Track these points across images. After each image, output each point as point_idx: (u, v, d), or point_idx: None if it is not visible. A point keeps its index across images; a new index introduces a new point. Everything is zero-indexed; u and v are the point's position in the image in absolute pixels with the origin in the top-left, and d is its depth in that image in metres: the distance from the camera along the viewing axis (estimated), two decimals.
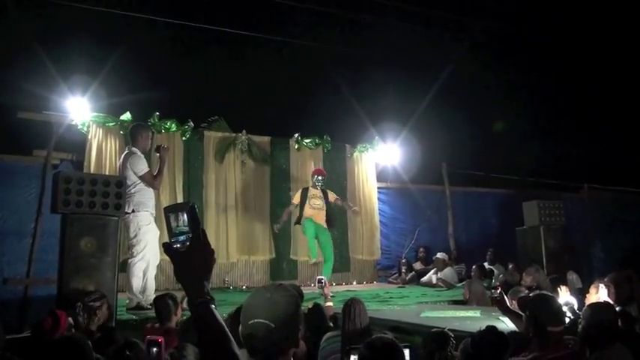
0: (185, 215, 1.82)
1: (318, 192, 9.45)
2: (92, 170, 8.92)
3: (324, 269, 9.07)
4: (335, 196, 9.71)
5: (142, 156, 7.25)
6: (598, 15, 12.95)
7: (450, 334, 3.87)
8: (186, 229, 1.81)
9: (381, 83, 12.56)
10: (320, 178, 9.53)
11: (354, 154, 11.90)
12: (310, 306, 5.71)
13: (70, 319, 4.66)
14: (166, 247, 1.85)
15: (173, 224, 1.83)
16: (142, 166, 7.14)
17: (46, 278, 8.29)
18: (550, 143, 14.55)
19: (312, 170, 10.00)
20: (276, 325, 2.04)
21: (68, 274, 5.97)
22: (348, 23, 13.01)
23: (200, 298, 1.75)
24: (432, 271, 10.90)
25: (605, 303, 4.68)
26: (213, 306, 1.77)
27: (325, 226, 9.34)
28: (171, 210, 1.85)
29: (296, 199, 9.53)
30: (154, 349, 3.20)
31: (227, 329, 1.78)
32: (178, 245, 1.81)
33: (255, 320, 2.05)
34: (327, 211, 9.41)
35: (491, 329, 3.60)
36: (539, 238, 10.63)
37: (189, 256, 1.80)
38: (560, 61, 13.81)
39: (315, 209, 9.33)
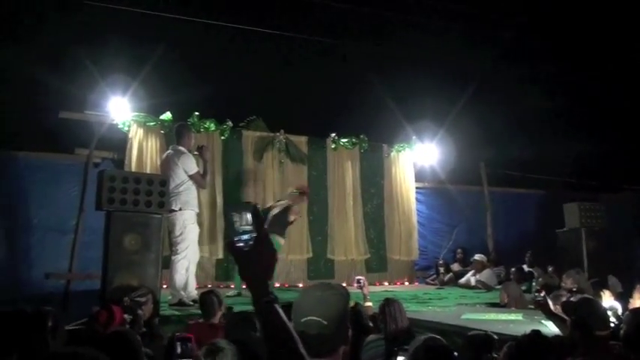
0: (249, 214, 1.82)
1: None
2: (133, 169, 9.04)
3: None
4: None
5: (191, 155, 7.35)
6: None
7: (494, 337, 3.82)
8: (250, 228, 1.80)
9: (418, 82, 12.47)
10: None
11: (392, 154, 11.85)
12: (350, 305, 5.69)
13: (127, 316, 4.74)
14: (230, 246, 1.84)
15: (237, 223, 1.85)
16: (193, 165, 7.26)
17: (87, 274, 8.45)
18: (590, 143, 14.33)
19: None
20: (329, 322, 2.06)
21: (112, 270, 6.10)
22: (386, 23, 12.97)
23: (265, 298, 1.74)
24: (471, 273, 10.82)
25: None
26: (277, 305, 1.75)
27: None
28: (235, 209, 1.87)
29: None
30: (184, 346, 3.23)
31: (293, 329, 1.78)
32: (242, 244, 1.80)
33: (308, 318, 2.07)
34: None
35: (537, 334, 3.54)
36: (580, 241, 10.47)
37: (254, 256, 1.79)
38: (603, 58, 13.58)
39: None
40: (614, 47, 13.30)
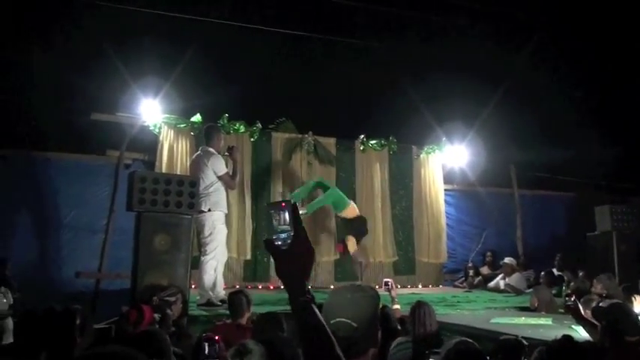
0: (287, 213, 1.82)
1: None
2: (164, 170, 9.12)
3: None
4: None
5: (221, 156, 7.40)
6: None
7: (525, 342, 3.78)
8: (288, 227, 1.81)
9: (448, 84, 12.40)
10: None
11: (421, 156, 11.79)
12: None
13: (156, 315, 4.79)
14: (268, 244, 1.84)
15: (275, 222, 1.84)
16: (222, 166, 7.31)
17: (116, 273, 8.56)
18: (622, 145, 14.12)
19: None
20: (359, 324, 2.07)
21: (142, 270, 6.18)
22: (415, 24, 12.92)
23: (302, 297, 1.74)
24: (500, 277, 10.71)
25: None
26: (314, 305, 1.75)
27: None
28: (274, 208, 1.86)
29: None
30: (212, 347, 3.26)
31: (329, 330, 1.77)
32: (280, 243, 1.81)
33: (338, 319, 2.08)
34: None
35: (568, 339, 3.49)
36: (611, 244, 10.33)
37: (291, 255, 1.80)
38: (636, 58, 13.39)
39: None
40: None
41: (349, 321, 2.08)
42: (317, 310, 1.75)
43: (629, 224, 10.61)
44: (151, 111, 9.41)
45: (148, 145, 9.66)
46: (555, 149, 12.56)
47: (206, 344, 3.28)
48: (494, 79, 12.74)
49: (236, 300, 5.49)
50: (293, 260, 1.80)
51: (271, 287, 9.54)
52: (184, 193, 6.44)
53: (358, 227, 9.52)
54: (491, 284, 10.74)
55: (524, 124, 12.44)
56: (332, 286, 9.80)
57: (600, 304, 4.84)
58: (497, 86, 12.59)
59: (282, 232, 1.82)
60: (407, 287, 10.70)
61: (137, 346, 3.03)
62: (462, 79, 12.27)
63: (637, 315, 4.01)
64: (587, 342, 4.33)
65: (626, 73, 13.41)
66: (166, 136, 9.53)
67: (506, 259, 10.80)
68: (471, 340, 3.30)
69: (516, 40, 12.96)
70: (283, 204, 1.86)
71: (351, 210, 9.49)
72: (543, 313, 7.31)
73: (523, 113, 12.59)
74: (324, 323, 1.76)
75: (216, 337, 3.32)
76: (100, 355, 1.60)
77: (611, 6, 12.61)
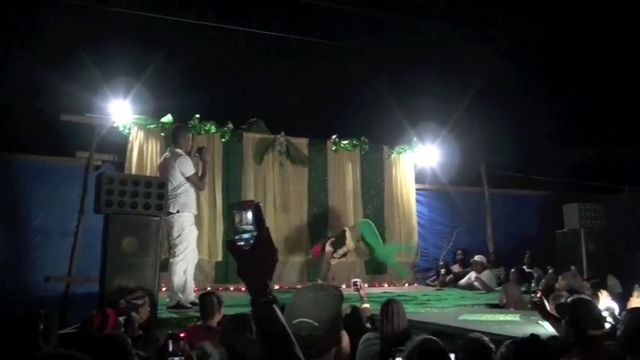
0: (250, 213, 1.81)
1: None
2: (133, 171, 9.06)
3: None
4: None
5: (189, 157, 7.36)
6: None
7: (492, 346, 3.76)
8: (251, 227, 1.80)
9: (419, 84, 12.47)
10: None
11: (392, 156, 11.86)
12: (348, 311, 5.71)
13: (121, 318, 4.76)
14: (230, 245, 1.83)
15: (237, 222, 1.83)
16: (190, 167, 7.24)
17: (87, 276, 8.47)
18: (590, 144, 14.32)
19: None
20: (320, 324, 2.07)
21: (110, 273, 6.12)
22: (387, 24, 12.97)
23: (263, 298, 1.74)
24: (471, 274, 10.82)
25: None
26: (275, 306, 1.74)
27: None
28: (237, 208, 1.84)
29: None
30: (175, 344, 3.26)
31: (290, 331, 1.77)
32: (242, 243, 1.80)
33: (300, 319, 2.08)
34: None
35: (536, 339, 3.49)
36: (579, 242, 10.52)
37: (254, 255, 1.79)
38: (602, 58, 13.58)
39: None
40: (616, 46, 13.30)
41: (311, 321, 2.07)
42: (278, 311, 1.75)
43: (597, 222, 10.80)
44: (121, 112, 9.36)
45: (118, 146, 9.57)
46: (526, 148, 12.72)
47: (170, 341, 3.28)
48: (466, 80, 12.85)
49: (207, 301, 5.46)
50: (255, 261, 1.79)
51: (243, 289, 9.49)
52: (152, 194, 6.39)
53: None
54: (462, 282, 10.83)
55: (495, 124, 12.56)
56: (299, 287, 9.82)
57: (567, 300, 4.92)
58: (468, 87, 12.71)
59: (245, 232, 1.80)
60: (378, 286, 10.74)
61: (99, 350, 3.03)
62: (433, 79, 12.36)
63: (600, 310, 4.06)
64: (551, 337, 4.41)
65: (596, 75, 13.60)
66: (136, 137, 9.47)
67: (477, 257, 10.91)
68: (435, 338, 3.32)
69: (488, 41, 13.07)
70: (248, 203, 1.84)
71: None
72: (512, 309, 7.37)
73: (494, 113, 12.71)
74: (285, 324, 1.75)
75: (181, 334, 3.32)
76: (52, 356, 1.59)
77: (582, 9, 12.77)
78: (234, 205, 1.86)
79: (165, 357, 3.22)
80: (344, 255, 9.96)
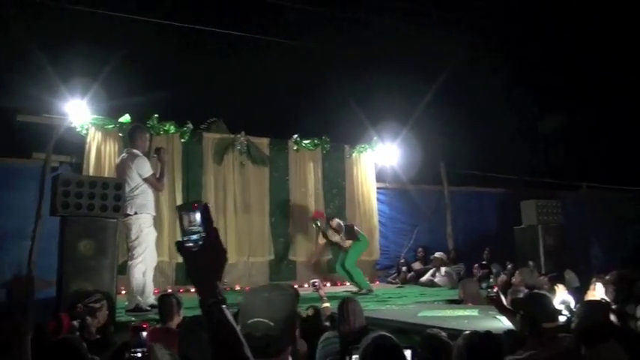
0: (198, 214, 1.80)
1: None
2: (91, 173, 8.94)
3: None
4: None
5: (146, 158, 7.28)
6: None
7: (449, 341, 3.80)
8: (199, 228, 1.79)
9: (379, 83, 12.58)
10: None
11: (353, 155, 11.92)
12: (310, 313, 5.72)
13: (75, 322, 4.69)
14: (179, 246, 1.83)
15: (186, 223, 1.82)
16: (147, 168, 7.16)
17: (46, 280, 8.31)
18: (548, 142, 14.59)
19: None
20: (275, 323, 2.07)
21: (67, 276, 6.04)
22: (346, 23, 13.04)
23: (212, 299, 1.74)
24: (431, 271, 10.93)
25: (598, 300, 4.73)
26: (224, 306, 1.74)
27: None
28: (185, 209, 1.84)
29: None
30: (138, 335, 3.22)
31: (239, 331, 1.77)
32: (191, 244, 1.79)
33: (255, 319, 2.08)
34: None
35: (487, 334, 3.52)
36: (537, 237, 10.72)
37: (202, 256, 1.78)
38: (558, 58, 13.84)
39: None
40: (578, 41, 13.54)
41: (266, 320, 2.08)
42: (227, 312, 1.74)
43: (554, 218, 11.01)
44: (78, 112, 9.22)
45: (76, 147, 9.42)
46: (484, 147, 12.89)
47: (134, 333, 3.23)
48: (425, 79, 12.97)
49: (166, 302, 5.38)
50: (204, 262, 1.78)
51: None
52: (109, 196, 6.32)
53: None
54: (423, 279, 10.93)
55: (454, 123, 12.72)
56: None
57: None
58: (428, 86, 12.82)
59: (193, 233, 1.80)
60: (340, 284, 10.76)
61: (52, 355, 2.99)
62: (393, 78, 12.46)
63: (553, 303, 4.15)
64: (508, 330, 4.50)
65: (554, 73, 13.85)
66: (94, 138, 9.35)
67: (437, 254, 11.05)
68: (389, 335, 3.34)
69: (448, 40, 13.20)
70: (195, 205, 1.84)
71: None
72: (470, 304, 7.48)
73: (453, 112, 12.87)
74: (234, 325, 1.75)
75: (144, 325, 3.27)
76: None
77: (546, 7, 13.00)
78: (181, 206, 1.86)
79: (129, 349, 3.17)
80: (333, 243, 9.95)
